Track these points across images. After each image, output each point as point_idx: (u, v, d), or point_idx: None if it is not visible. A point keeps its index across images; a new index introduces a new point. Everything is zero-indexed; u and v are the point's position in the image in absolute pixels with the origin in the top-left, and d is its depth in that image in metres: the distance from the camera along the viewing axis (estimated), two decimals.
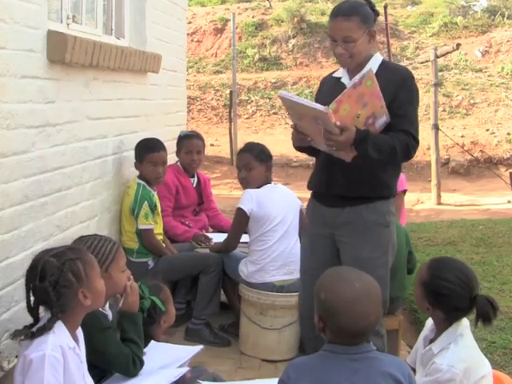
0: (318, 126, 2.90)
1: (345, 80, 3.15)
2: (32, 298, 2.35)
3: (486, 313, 2.49)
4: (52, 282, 2.27)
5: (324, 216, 3.18)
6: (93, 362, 2.50)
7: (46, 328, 2.24)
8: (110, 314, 2.76)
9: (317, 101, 3.17)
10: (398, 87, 3.01)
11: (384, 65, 3.10)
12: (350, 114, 2.90)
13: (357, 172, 3.02)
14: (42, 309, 2.36)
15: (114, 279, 2.68)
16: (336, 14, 3.01)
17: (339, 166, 3.02)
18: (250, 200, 4.04)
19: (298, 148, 3.21)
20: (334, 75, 3.28)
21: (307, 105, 2.86)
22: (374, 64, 3.06)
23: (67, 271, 2.29)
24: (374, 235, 3.08)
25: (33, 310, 2.34)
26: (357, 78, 2.89)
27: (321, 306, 2.11)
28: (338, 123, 2.81)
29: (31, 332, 2.25)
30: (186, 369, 2.80)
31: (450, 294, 2.51)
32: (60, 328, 2.28)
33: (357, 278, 2.13)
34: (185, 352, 2.99)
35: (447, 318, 2.56)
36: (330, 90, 3.17)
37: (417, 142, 3.00)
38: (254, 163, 4.14)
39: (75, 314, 2.35)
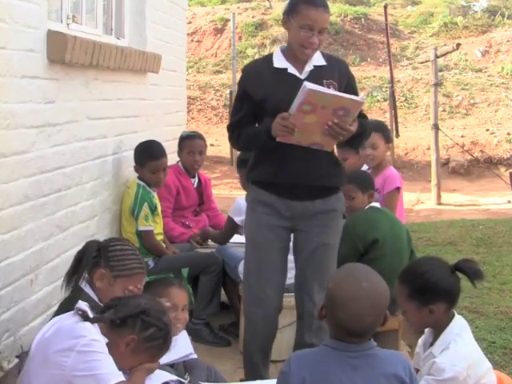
0: (327, 118, 2.89)
1: (293, 71, 3.11)
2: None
3: (474, 270, 2.57)
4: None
5: (287, 208, 3.16)
6: None
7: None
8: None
9: (245, 88, 3.17)
10: (348, 76, 3.23)
11: (326, 55, 3.22)
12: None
13: (326, 163, 3.15)
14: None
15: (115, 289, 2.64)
16: (318, 4, 2.98)
17: (312, 157, 3.09)
18: (240, 211, 4.01)
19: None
20: (274, 65, 3.15)
21: (341, 95, 2.92)
22: (319, 56, 3.15)
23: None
24: (337, 223, 3.26)
25: None
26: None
27: (326, 295, 2.17)
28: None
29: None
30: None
31: (437, 278, 2.55)
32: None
33: (366, 278, 2.13)
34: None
35: (449, 306, 2.58)
36: (277, 80, 3.09)
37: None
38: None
39: None
